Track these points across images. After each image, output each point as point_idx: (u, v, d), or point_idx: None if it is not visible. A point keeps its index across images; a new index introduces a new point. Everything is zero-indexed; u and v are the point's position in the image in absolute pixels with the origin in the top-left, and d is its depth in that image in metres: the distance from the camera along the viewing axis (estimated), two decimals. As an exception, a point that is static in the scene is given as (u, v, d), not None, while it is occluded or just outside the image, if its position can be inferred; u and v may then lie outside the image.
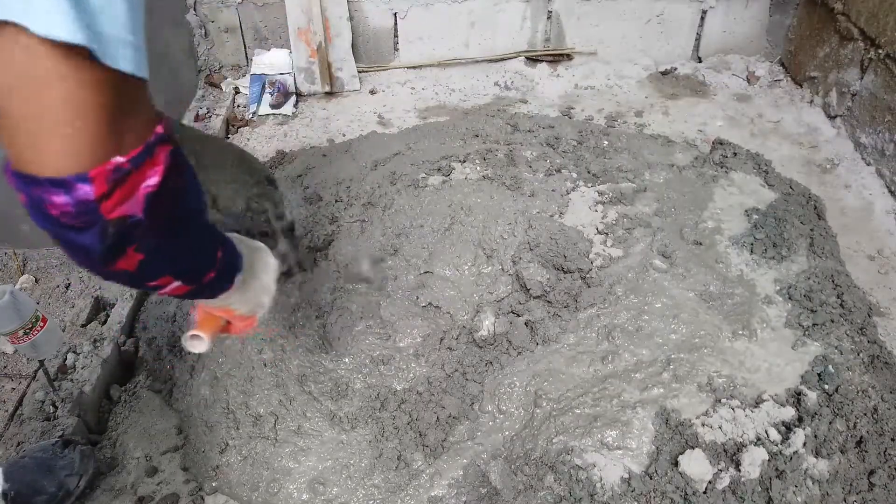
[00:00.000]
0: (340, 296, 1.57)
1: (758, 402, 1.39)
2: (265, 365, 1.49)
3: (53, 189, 0.55)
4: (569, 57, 2.64)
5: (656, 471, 1.29)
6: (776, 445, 1.31)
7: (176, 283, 0.77)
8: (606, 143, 2.07)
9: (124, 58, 0.54)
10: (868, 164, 2.12)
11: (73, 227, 0.59)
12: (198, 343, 0.97)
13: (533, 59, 2.62)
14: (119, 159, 0.57)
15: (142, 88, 0.60)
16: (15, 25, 0.49)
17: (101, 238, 0.60)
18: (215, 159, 1.36)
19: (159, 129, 0.63)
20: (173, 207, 0.68)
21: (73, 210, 0.57)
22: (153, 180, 0.61)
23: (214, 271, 0.84)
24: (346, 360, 1.48)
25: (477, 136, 2.09)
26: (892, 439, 1.34)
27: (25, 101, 0.52)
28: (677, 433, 1.35)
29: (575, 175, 1.91)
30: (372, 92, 2.53)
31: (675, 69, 2.62)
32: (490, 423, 1.40)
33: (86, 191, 0.56)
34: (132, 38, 0.55)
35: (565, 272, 1.59)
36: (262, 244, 1.04)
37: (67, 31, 0.50)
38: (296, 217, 1.65)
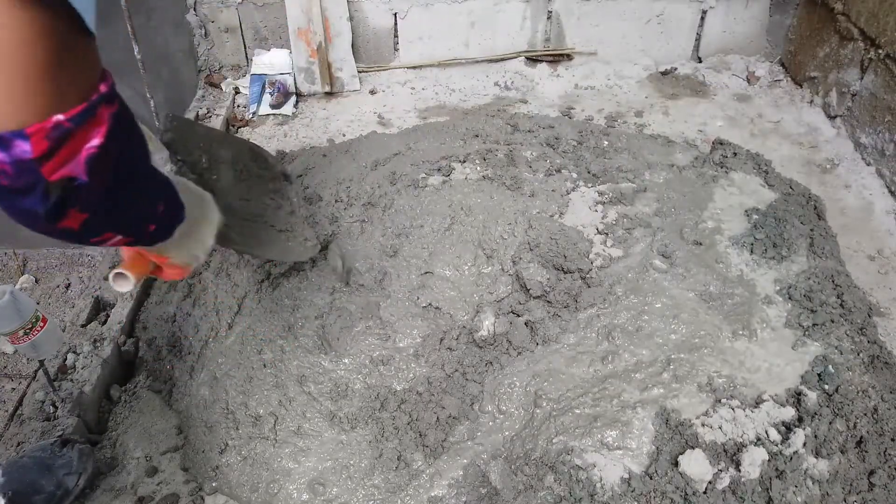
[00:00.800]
0: (340, 296, 1.57)
1: (758, 402, 1.39)
2: (265, 365, 1.49)
3: None
4: (569, 57, 2.64)
5: (656, 471, 1.29)
6: (776, 445, 1.31)
7: (117, 238, 0.76)
8: (606, 143, 2.06)
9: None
10: (868, 164, 2.12)
11: (13, 189, 0.57)
12: (123, 282, 0.94)
13: (533, 59, 2.62)
14: (59, 117, 0.55)
15: (87, 42, 0.57)
16: None
17: (43, 201, 0.58)
18: (230, 155, 1.35)
19: (103, 87, 0.60)
20: (118, 168, 0.66)
21: (11, 170, 0.55)
22: (96, 141, 0.59)
23: (155, 224, 0.83)
24: (346, 360, 1.48)
25: (477, 136, 2.09)
26: (892, 439, 1.34)
27: None
28: (677, 433, 1.35)
29: (575, 175, 1.90)
30: (372, 92, 2.53)
31: (675, 69, 2.62)
32: (490, 424, 1.40)
33: (24, 149, 0.54)
34: None
35: (565, 272, 1.59)
36: (208, 195, 1.01)
37: None
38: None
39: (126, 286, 0.95)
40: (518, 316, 1.54)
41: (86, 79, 0.58)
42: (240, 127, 2.39)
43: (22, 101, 0.53)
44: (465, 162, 1.94)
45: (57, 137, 0.55)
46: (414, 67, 2.61)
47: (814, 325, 1.53)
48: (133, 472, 1.40)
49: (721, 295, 1.57)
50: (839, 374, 1.43)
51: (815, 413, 1.36)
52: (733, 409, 1.36)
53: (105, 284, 1.72)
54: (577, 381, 1.44)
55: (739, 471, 1.28)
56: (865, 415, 1.37)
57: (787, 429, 1.35)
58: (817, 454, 1.31)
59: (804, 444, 1.31)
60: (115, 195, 0.69)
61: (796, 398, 1.40)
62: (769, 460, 1.28)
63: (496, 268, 1.62)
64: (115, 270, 0.94)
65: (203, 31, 2.49)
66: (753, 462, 1.27)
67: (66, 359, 1.53)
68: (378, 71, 2.59)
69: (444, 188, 1.81)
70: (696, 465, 1.27)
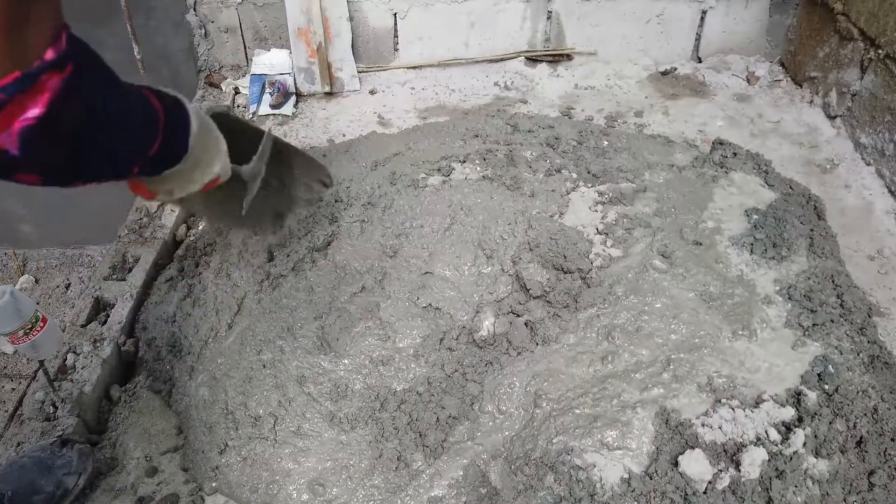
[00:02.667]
0: (339, 297, 1.57)
1: (758, 402, 1.39)
2: (264, 366, 1.49)
3: None
4: (569, 57, 2.64)
5: (656, 471, 1.29)
6: (776, 445, 1.31)
7: (93, 184, 0.72)
8: (606, 143, 2.06)
9: None
10: (868, 164, 2.12)
11: None
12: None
13: (533, 59, 2.62)
14: None
15: (33, 4, 0.53)
16: None
17: None
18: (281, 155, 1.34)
19: (50, 53, 0.55)
20: (77, 134, 0.61)
21: None
22: (34, 112, 0.55)
23: (139, 166, 0.78)
24: (346, 360, 1.48)
25: (477, 136, 2.09)
26: (892, 439, 1.34)
27: None
28: (677, 433, 1.35)
29: (575, 175, 1.90)
30: (372, 92, 2.53)
31: (675, 69, 2.62)
32: (490, 424, 1.40)
33: None
34: None
35: (565, 272, 1.59)
36: (223, 145, 0.97)
37: None
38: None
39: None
40: (518, 316, 1.54)
41: (26, 42, 0.53)
42: (240, 127, 2.38)
43: None
44: (464, 162, 1.95)
45: None
46: (414, 67, 2.61)
47: (814, 325, 1.53)
48: (133, 472, 1.40)
49: (721, 295, 1.57)
50: (839, 374, 1.43)
51: (815, 413, 1.36)
52: (733, 409, 1.36)
53: (105, 284, 1.72)
54: (577, 381, 1.44)
55: (739, 471, 1.28)
56: (865, 415, 1.37)
57: (787, 429, 1.35)
58: (817, 454, 1.31)
59: (804, 444, 1.31)
60: (77, 158, 0.64)
61: (796, 398, 1.40)
62: (769, 460, 1.28)
63: (496, 268, 1.62)
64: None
65: (203, 31, 2.49)
66: (753, 462, 1.27)
67: (66, 359, 1.53)
68: (378, 71, 2.59)
69: (444, 188, 1.81)
70: (696, 465, 1.27)
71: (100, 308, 1.71)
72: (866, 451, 1.32)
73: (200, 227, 1.93)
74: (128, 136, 0.74)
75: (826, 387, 1.41)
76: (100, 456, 1.41)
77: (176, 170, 0.87)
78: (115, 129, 0.69)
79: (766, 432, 1.33)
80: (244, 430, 1.41)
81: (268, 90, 2.44)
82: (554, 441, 1.35)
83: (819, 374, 1.43)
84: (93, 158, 0.67)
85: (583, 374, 1.45)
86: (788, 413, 1.37)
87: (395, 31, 2.54)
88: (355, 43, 2.49)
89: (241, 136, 1.19)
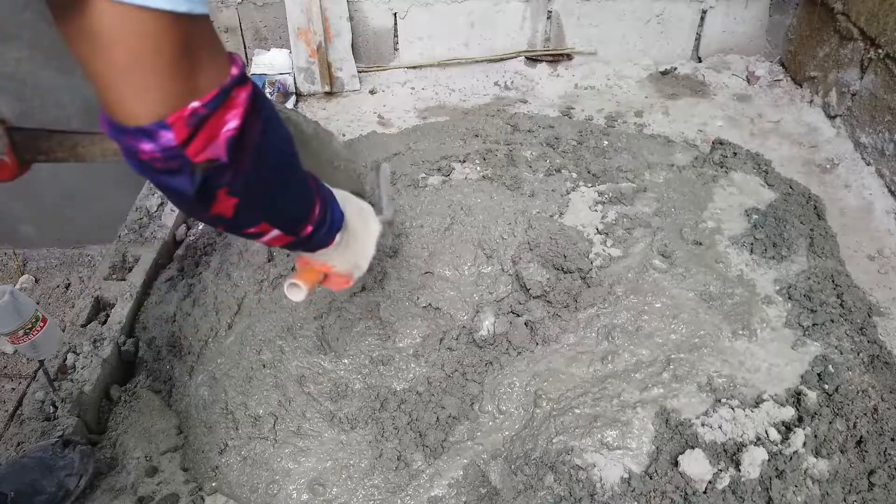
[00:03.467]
0: (339, 296, 1.57)
1: (758, 402, 1.39)
2: (264, 366, 1.49)
3: (139, 137, 0.59)
4: (569, 57, 2.64)
5: (656, 471, 1.29)
6: (776, 445, 1.31)
7: (275, 232, 0.80)
8: (606, 143, 2.07)
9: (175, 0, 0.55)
10: (868, 164, 2.12)
11: (164, 170, 0.62)
12: (296, 291, 0.99)
13: (533, 59, 2.62)
14: (195, 104, 0.59)
15: (204, 29, 0.60)
16: None
17: (192, 180, 0.63)
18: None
19: (234, 70, 0.64)
20: (259, 149, 0.69)
21: (161, 155, 0.60)
22: (233, 123, 0.63)
23: (311, 225, 0.87)
24: (346, 360, 1.48)
25: (477, 136, 2.09)
26: (892, 439, 1.34)
27: (98, 58, 0.55)
28: (677, 433, 1.35)
29: (575, 175, 1.91)
30: (372, 92, 2.53)
31: (675, 69, 2.62)
32: (490, 423, 1.40)
33: (168, 137, 0.59)
34: None
35: (565, 272, 1.59)
36: (368, 206, 1.05)
37: None
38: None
39: (299, 296, 0.98)
40: (518, 316, 1.54)
41: (215, 63, 0.62)
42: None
43: (158, 95, 0.57)
44: (465, 162, 1.95)
45: (195, 123, 0.60)
46: (414, 67, 2.61)
47: (814, 324, 1.53)
48: (133, 472, 1.40)
49: (721, 295, 1.57)
50: (839, 374, 1.43)
51: (815, 413, 1.36)
52: (733, 409, 1.36)
53: (105, 284, 1.72)
54: (577, 380, 1.44)
55: (739, 471, 1.28)
56: (865, 415, 1.37)
57: (787, 429, 1.35)
58: (817, 454, 1.31)
59: (804, 444, 1.31)
60: (262, 181, 0.72)
61: (796, 398, 1.40)
62: (769, 460, 1.28)
63: (496, 268, 1.62)
64: (290, 281, 0.99)
65: (203, 31, 2.49)
66: (753, 462, 1.27)
67: (66, 359, 1.53)
68: (378, 71, 2.59)
69: (444, 188, 1.81)
70: (696, 464, 1.27)
71: (100, 308, 1.70)
72: (866, 451, 1.32)
73: (200, 227, 1.93)
74: (298, 167, 0.81)
75: (826, 387, 1.41)
76: (100, 456, 1.41)
77: (345, 238, 0.97)
78: (286, 152, 0.77)
79: (766, 432, 1.33)
80: (244, 429, 1.41)
81: (268, 90, 2.44)
82: (554, 441, 1.35)
83: (819, 374, 1.43)
84: (275, 183, 0.75)
85: (583, 373, 1.45)
86: (788, 413, 1.37)
87: (395, 30, 2.54)
88: (355, 43, 2.49)
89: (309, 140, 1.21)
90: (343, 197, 1.01)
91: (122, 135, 0.59)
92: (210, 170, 0.64)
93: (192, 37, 0.58)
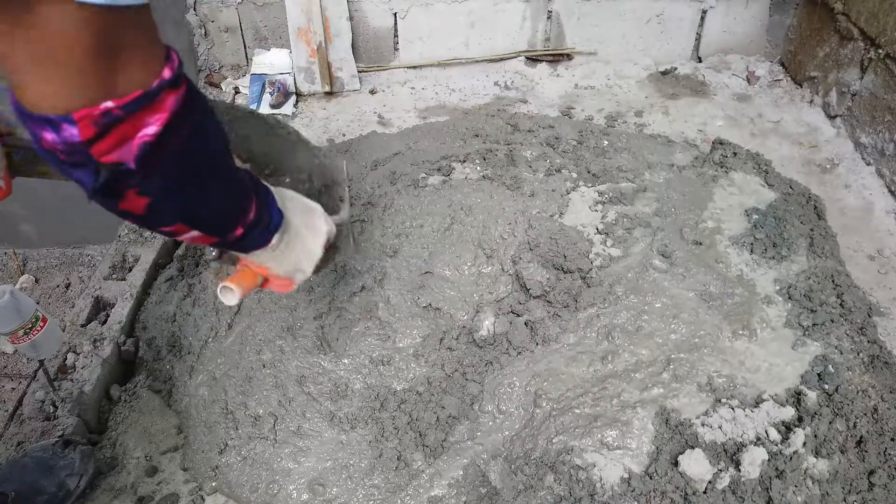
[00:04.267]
0: (339, 296, 1.57)
1: (758, 402, 1.39)
2: (264, 366, 1.49)
3: (43, 125, 0.55)
4: (569, 57, 2.64)
5: (656, 471, 1.29)
6: (776, 445, 1.31)
7: (193, 233, 0.74)
8: (606, 143, 2.07)
9: None
10: (868, 164, 2.12)
11: (67, 162, 0.58)
12: (229, 295, 0.93)
13: (533, 59, 2.62)
14: (108, 104, 0.55)
15: (135, 24, 0.55)
16: None
17: (94, 177, 0.58)
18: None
19: (166, 72, 0.59)
20: (183, 155, 0.64)
21: (63, 148, 0.56)
22: (152, 129, 0.58)
23: (242, 227, 0.81)
24: (346, 360, 1.48)
25: (477, 136, 2.09)
26: (892, 439, 1.34)
27: (9, 43, 0.51)
28: (677, 433, 1.35)
29: (575, 175, 1.91)
30: (372, 92, 2.53)
31: (675, 69, 2.62)
32: (490, 423, 1.40)
33: (72, 132, 0.55)
34: None
35: (565, 272, 1.59)
36: (316, 205, 0.99)
37: None
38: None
39: (232, 299, 0.93)
40: (518, 316, 1.54)
41: (143, 63, 0.57)
42: (240, 127, 2.38)
43: (68, 90, 0.53)
44: (465, 162, 1.95)
45: (106, 123, 0.55)
46: (414, 67, 2.61)
47: (814, 324, 1.53)
48: (133, 472, 1.40)
49: (721, 295, 1.57)
50: (839, 374, 1.43)
51: (815, 413, 1.36)
52: (733, 409, 1.36)
53: (105, 284, 1.72)
54: (577, 380, 1.44)
55: (739, 471, 1.28)
56: (865, 414, 1.37)
57: (787, 429, 1.35)
58: (817, 454, 1.31)
59: (804, 444, 1.31)
60: (182, 185, 0.67)
61: (796, 398, 1.40)
62: (769, 460, 1.28)
63: (496, 268, 1.62)
64: (222, 283, 0.93)
65: (203, 31, 2.49)
66: (753, 462, 1.27)
67: (66, 359, 1.53)
68: (378, 71, 2.59)
69: (444, 188, 1.81)
70: (696, 464, 1.27)
71: (100, 308, 1.71)
72: (866, 451, 1.33)
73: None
74: (228, 171, 0.76)
75: (826, 387, 1.41)
76: (100, 456, 1.41)
77: (286, 240, 0.91)
78: (217, 158, 0.72)
79: (766, 432, 1.33)
80: (244, 429, 1.41)
81: (268, 90, 2.44)
82: (554, 441, 1.35)
83: (819, 374, 1.43)
84: (197, 184, 0.69)
85: (583, 373, 1.45)
86: (788, 413, 1.37)
87: (395, 30, 2.54)
88: (355, 43, 2.49)
89: (249, 125, 1.19)
90: (285, 196, 0.95)
91: (26, 118, 0.55)
92: (117, 172, 0.59)
93: (116, 32, 0.54)
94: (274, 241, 0.89)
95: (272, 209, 0.88)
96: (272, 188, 0.92)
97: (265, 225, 0.86)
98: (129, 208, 0.64)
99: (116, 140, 0.57)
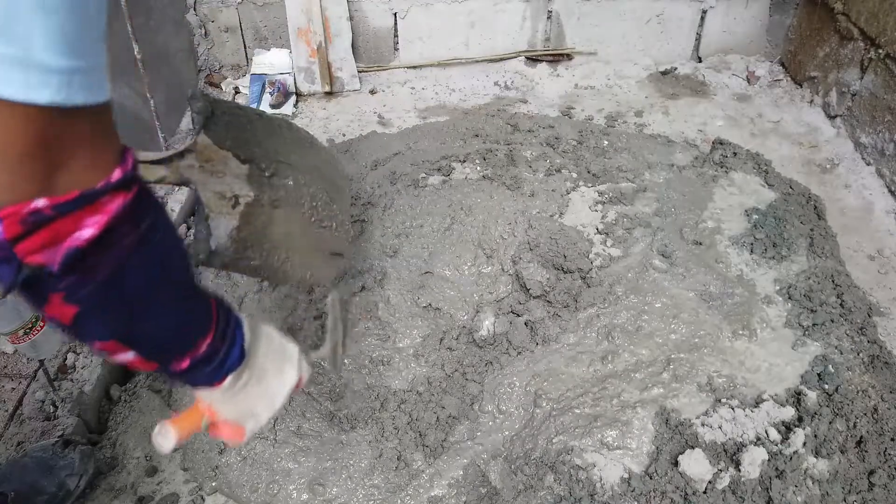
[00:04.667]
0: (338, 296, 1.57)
1: (758, 402, 1.39)
2: (265, 365, 1.49)
3: None
4: (569, 57, 2.64)
5: (656, 471, 1.29)
6: (776, 445, 1.31)
7: (129, 355, 0.66)
8: (606, 143, 2.07)
9: (46, 86, 0.46)
10: (868, 164, 2.12)
11: None
12: (162, 439, 0.81)
13: (533, 59, 2.62)
14: (40, 203, 0.50)
15: (85, 122, 0.51)
16: None
17: (14, 274, 0.53)
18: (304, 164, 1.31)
19: (117, 173, 0.54)
20: (126, 264, 0.58)
21: None
22: (87, 232, 0.53)
23: (189, 360, 0.72)
24: (346, 360, 1.48)
25: (477, 136, 2.09)
26: (892, 439, 1.34)
27: None
28: (677, 433, 1.35)
29: (575, 175, 1.91)
30: (372, 92, 2.53)
31: (675, 69, 2.62)
32: (490, 423, 1.40)
33: None
34: (63, 63, 0.47)
35: (565, 272, 1.59)
36: (294, 348, 0.89)
37: None
38: None
39: (165, 445, 0.80)
40: (518, 316, 1.54)
41: (90, 162, 0.52)
42: (240, 127, 2.38)
43: (2, 184, 0.49)
44: (465, 162, 1.95)
45: (34, 222, 0.50)
46: (414, 67, 2.61)
47: (814, 324, 1.53)
48: (133, 471, 1.40)
49: (721, 295, 1.57)
50: (839, 374, 1.43)
51: (815, 413, 1.36)
52: (733, 409, 1.36)
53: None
54: (577, 380, 1.44)
55: (739, 471, 1.28)
56: (865, 414, 1.37)
57: (787, 428, 1.35)
58: (817, 454, 1.31)
59: (804, 444, 1.31)
60: (121, 299, 0.60)
61: (796, 398, 1.40)
62: (769, 460, 1.28)
63: (496, 268, 1.62)
64: (160, 424, 0.81)
65: (203, 31, 2.49)
66: (753, 462, 1.27)
67: (66, 359, 1.53)
68: (378, 71, 2.59)
69: (444, 188, 1.81)
70: (696, 464, 1.27)
71: (100, 308, 1.70)
72: (866, 451, 1.33)
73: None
74: (179, 294, 0.68)
75: (826, 387, 1.41)
76: (100, 455, 1.41)
77: (245, 381, 0.81)
78: (167, 276, 0.65)
79: (766, 432, 1.33)
80: (244, 429, 1.41)
81: (268, 90, 2.44)
82: (554, 441, 1.35)
83: (819, 374, 1.43)
84: (138, 301, 0.63)
85: (583, 373, 1.45)
86: (788, 413, 1.37)
87: (395, 30, 2.54)
88: (355, 43, 2.49)
89: (253, 125, 1.18)
90: (261, 333, 0.85)
91: None
92: (40, 273, 0.53)
93: (63, 130, 0.49)
94: (227, 382, 0.78)
95: (234, 347, 0.79)
96: (247, 321, 0.83)
97: (219, 363, 0.76)
98: (55, 315, 0.58)
99: (45, 240, 0.52)
